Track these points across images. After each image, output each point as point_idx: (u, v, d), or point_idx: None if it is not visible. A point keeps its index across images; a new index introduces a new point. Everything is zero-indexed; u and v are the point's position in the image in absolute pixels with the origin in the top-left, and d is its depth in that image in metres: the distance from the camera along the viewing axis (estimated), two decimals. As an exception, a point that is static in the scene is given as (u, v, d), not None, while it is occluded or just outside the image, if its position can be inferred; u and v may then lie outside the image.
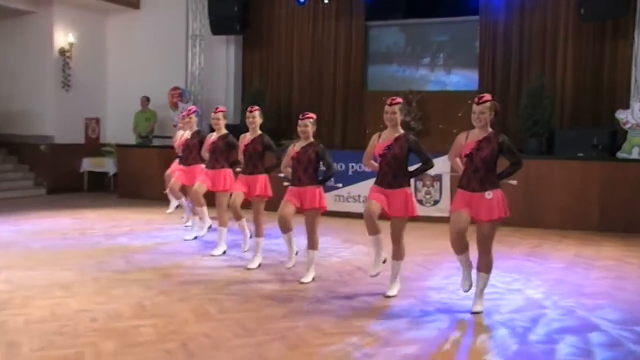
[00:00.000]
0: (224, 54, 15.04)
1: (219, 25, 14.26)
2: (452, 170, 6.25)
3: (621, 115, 11.07)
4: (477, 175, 5.53)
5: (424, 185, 11.37)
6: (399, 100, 6.43)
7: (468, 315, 5.74)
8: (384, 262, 6.50)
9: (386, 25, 14.37)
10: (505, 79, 12.85)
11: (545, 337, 5.16)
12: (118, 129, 15.65)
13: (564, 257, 8.57)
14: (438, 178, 11.29)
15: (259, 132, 7.64)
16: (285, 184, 7.13)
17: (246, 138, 7.68)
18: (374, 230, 6.34)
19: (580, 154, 10.97)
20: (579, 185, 10.73)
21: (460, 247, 5.78)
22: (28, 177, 15.18)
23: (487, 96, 5.59)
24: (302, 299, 6.24)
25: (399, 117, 6.31)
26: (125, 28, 15.94)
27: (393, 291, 6.41)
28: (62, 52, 15.05)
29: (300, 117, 6.96)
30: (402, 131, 6.29)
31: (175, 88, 14.75)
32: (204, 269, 7.42)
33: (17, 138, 15.25)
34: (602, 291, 6.73)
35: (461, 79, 13.84)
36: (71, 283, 6.70)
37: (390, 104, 6.31)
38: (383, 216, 6.26)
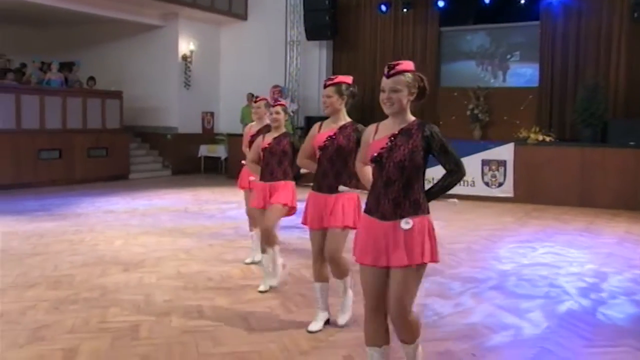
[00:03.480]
0: (317, 57, 15.06)
1: (312, 32, 14.31)
2: (362, 186, 3.54)
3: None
4: (389, 190, 2.94)
5: (490, 169, 11.13)
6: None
7: (532, 278, 5.61)
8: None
9: (457, 30, 14.03)
10: (563, 75, 12.32)
11: (596, 301, 4.99)
12: (228, 121, 15.97)
13: (616, 233, 8.22)
14: (503, 163, 11.03)
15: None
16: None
17: (257, 133, 5.65)
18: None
19: (632, 142, 10.45)
20: (630, 170, 10.26)
21: (377, 331, 3.06)
22: (157, 160, 15.66)
23: (405, 64, 2.99)
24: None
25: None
26: (235, 36, 16.20)
27: (343, 319, 4.35)
28: (184, 57, 15.45)
29: (272, 104, 5.31)
30: (347, 119, 4.17)
31: (276, 86, 14.89)
32: (299, 240, 7.36)
33: (149, 129, 15.77)
34: (651, 265, 6.43)
35: (523, 76, 13.37)
36: (192, 248, 6.92)
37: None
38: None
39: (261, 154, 5.12)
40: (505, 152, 11.06)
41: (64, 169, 13.00)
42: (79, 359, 3.71)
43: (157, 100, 15.52)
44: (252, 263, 6.10)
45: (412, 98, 3.00)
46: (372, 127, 3.17)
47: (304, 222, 4.23)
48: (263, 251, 5.21)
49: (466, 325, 4.43)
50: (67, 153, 13.07)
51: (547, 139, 11.19)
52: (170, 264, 6.16)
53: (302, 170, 4.77)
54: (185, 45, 15.48)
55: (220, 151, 15.55)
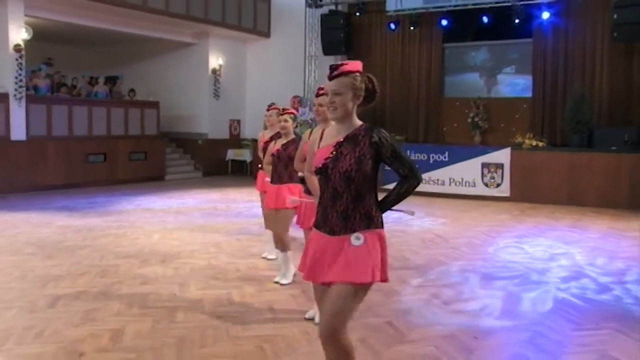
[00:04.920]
0: (333, 71, 15.04)
1: (329, 48, 14.32)
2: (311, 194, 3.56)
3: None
4: (337, 203, 2.48)
5: (489, 171, 11.09)
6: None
7: (527, 270, 5.60)
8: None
9: (459, 46, 13.95)
10: (554, 87, 12.18)
11: (582, 289, 4.97)
12: (253, 128, 16.00)
13: (600, 229, 8.16)
14: (500, 166, 10.98)
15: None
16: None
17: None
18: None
19: (614, 147, 10.38)
20: (612, 172, 10.23)
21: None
22: (190, 163, 15.71)
23: (350, 64, 2.52)
24: (394, 259, 6.24)
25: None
26: (259, 52, 16.26)
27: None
28: (214, 71, 15.54)
29: (280, 111, 5.13)
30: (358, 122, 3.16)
31: (296, 96, 14.91)
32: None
33: (183, 135, 15.85)
34: (630, 256, 6.38)
35: (517, 87, 13.28)
36: (221, 242, 6.96)
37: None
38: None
39: (270, 159, 5.08)
40: (502, 156, 11.01)
41: (108, 171, 13.14)
42: (125, 338, 3.78)
43: (190, 109, 15.62)
44: (265, 258, 6.02)
45: (358, 101, 2.52)
46: (317, 133, 2.74)
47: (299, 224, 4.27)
48: (280, 250, 5.15)
49: (468, 311, 4.44)
50: (111, 157, 13.21)
51: (540, 144, 11.12)
52: (202, 256, 6.21)
53: (300, 174, 4.34)
54: (215, 60, 15.58)
55: (245, 155, 15.61)
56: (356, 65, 2.51)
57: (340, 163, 2.46)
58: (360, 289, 2.44)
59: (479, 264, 6.05)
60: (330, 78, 2.51)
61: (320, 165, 2.51)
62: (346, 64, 2.50)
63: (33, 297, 4.64)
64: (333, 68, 2.51)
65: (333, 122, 2.62)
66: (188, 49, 15.59)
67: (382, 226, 2.51)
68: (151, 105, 14.50)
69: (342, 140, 2.51)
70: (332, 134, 2.58)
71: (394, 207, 2.57)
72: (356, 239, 2.43)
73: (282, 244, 5.00)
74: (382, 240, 2.50)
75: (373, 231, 2.47)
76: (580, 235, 7.66)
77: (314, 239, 2.56)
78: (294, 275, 5.11)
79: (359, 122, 2.55)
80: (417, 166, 2.55)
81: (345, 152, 2.48)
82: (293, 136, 4.99)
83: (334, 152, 2.50)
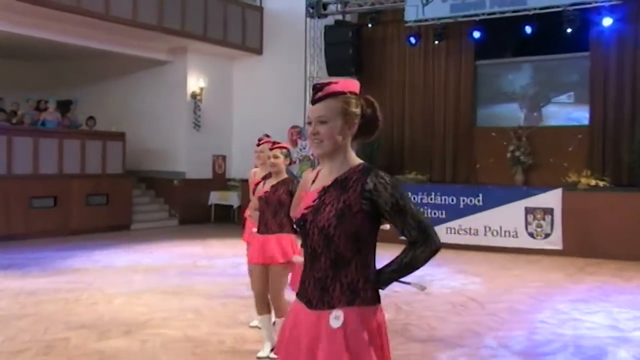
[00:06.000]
0: (340, 94, 15.14)
1: (334, 68, 14.43)
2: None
3: None
4: (315, 267, 2.32)
5: (534, 218, 11.05)
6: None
7: (587, 345, 5.50)
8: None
9: (495, 63, 14.12)
10: (618, 112, 12.18)
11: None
12: (242, 165, 16.04)
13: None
14: (549, 212, 10.95)
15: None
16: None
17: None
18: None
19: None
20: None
21: None
22: (163, 209, 15.78)
23: (341, 83, 2.38)
24: (417, 328, 6.17)
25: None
26: (249, 72, 16.47)
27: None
28: (194, 95, 15.71)
29: (270, 146, 5.21)
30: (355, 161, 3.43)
31: (295, 126, 15.00)
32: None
33: (154, 174, 15.94)
34: None
35: (570, 113, 13.37)
36: (201, 308, 6.89)
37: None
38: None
39: (258, 202, 5.07)
40: (551, 198, 10.98)
41: (59, 218, 13.13)
42: None
43: (163, 142, 15.75)
44: (256, 327, 5.86)
45: (352, 132, 2.36)
46: (312, 173, 2.57)
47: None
48: (259, 313, 5.13)
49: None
50: (63, 201, 13.22)
51: (601, 183, 11.11)
52: (178, 325, 6.15)
53: None
54: (195, 82, 15.77)
55: (232, 199, 15.63)
56: (350, 84, 2.38)
57: (320, 215, 2.28)
58: None
59: (524, 336, 5.96)
60: (314, 101, 2.35)
61: (299, 217, 2.35)
62: (335, 83, 2.35)
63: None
64: (317, 88, 2.36)
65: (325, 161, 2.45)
66: (161, 68, 15.82)
67: (373, 302, 2.25)
68: (115, 136, 14.61)
69: (328, 184, 2.34)
70: (325, 175, 2.41)
71: (398, 279, 2.30)
72: (335, 319, 2.21)
73: (280, 309, 4.90)
74: (376, 322, 2.24)
75: (355, 309, 2.22)
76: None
77: (292, 310, 2.41)
78: (272, 349, 5.00)
79: (356, 161, 2.37)
80: (432, 227, 2.29)
81: (327, 201, 2.29)
82: (285, 176, 5.01)
83: (317, 201, 2.33)
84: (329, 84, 2.35)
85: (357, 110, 2.35)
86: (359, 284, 2.25)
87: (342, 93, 2.33)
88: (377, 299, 2.28)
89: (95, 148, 14.06)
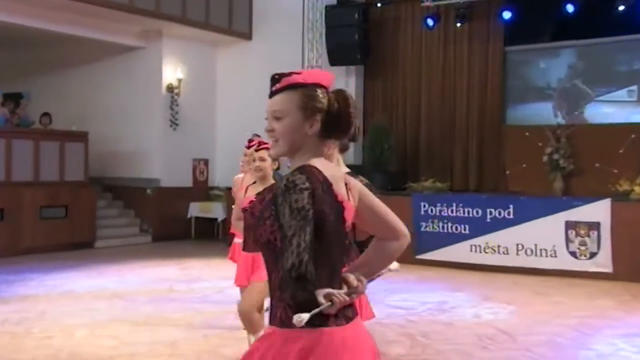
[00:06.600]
0: (343, 86, 14.83)
1: (337, 55, 14.47)
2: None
3: None
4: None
5: (577, 234, 10.99)
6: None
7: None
8: None
9: (529, 49, 14.12)
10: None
11: None
12: (228, 171, 15.96)
13: None
14: (595, 226, 10.89)
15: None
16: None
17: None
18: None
19: None
20: None
21: None
22: (134, 223, 15.77)
23: (304, 74, 2.52)
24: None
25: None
26: (236, 61, 16.46)
27: None
28: (170, 88, 15.69)
29: (255, 147, 5.23)
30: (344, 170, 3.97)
31: (290, 125, 14.97)
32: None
33: (123, 181, 15.90)
34: None
35: (621, 108, 13.36)
36: (178, 341, 6.83)
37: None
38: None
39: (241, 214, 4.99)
40: (598, 211, 10.94)
41: (7, 234, 13.06)
42: None
43: (134, 144, 15.70)
44: None
45: (314, 130, 2.46)
46: None
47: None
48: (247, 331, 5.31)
49: None
50: (12, 214, 13.17)
51: (659, 193, 11.06)
52: (149, 362, 6.08)
53: None
54: (172, 73, 15.76)
55: (216, 211, 15.60)
56: (316, 75, 2.48)
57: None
58: None
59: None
60: (271, 94, 2.49)
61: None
62: (297, 74, 2.47)
63: None
64: (276, 79, 2.48)
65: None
66: (131, 55, 15.82)
67: (283, 325, 2.38)
68: (76, 137, 14.61)
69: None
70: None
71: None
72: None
73: (251, 323, 5.10)
74: (278, 347, 2.36)
75: (270, 330, 2.44)
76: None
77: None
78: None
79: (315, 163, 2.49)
80: (301, 261, 2.26)
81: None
82: (272, 181, 4.94)
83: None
84: (289, 74, 2.46)
85: (321, 106, 2.44)
86: (275, 297, 2.47)
87: (303, 85, 2.43)
88: (290, 321, 2.34)
89: (51, 151, 14.04)
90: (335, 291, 2.37)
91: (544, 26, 13.66)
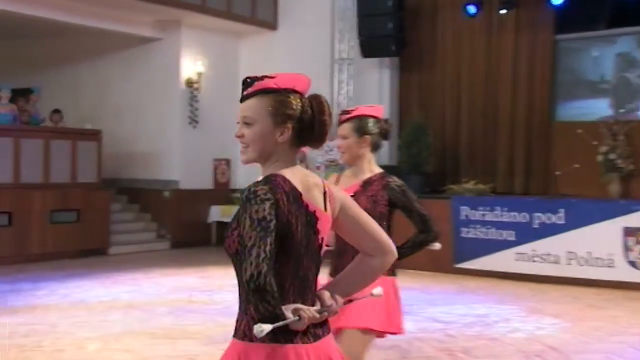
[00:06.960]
0: (377, 80, 15.15)
1: (370, 47, 14.44)
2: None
3: None
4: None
5: (637, 242, 10.89)
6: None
7: None
8: None
9: (583, 38, 14.02)
10: None
11: None
12: (251, 172, 15.98)
13: None
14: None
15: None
16: None
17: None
18: None
19: None
20: None
21: None
22: (150, 228, 15.84)
23: (278, 78, 2.59)
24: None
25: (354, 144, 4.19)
26: (260, 53, 16.45)
27: None
28: (190, 83, 15.73)
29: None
30: (376, 170, 4.18)
31: (319, 122, 14.96)
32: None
33: (139, 183, 15.99)
34: None
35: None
36: (199, 355, 6.85)
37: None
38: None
39: None
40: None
41: (15, 240, 13.17)
42: None
43: (151, 143, 15.80)
44: None
45: (285, 137, 2.57)
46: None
47: None
48: None
49: None
50: (20, 218, 13.27)
51: None
52: (167, 379, 6.13)
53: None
54: (191, 66, 15.81)
55: (238, 215, 15.57)
56: (291, 79, 2.57)
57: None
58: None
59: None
60: (242, 98, 2.61)
61: None
62: (272, 77, 2.56)
63: None
64: (247, 83, 2.59)
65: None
66: (147, 47, 15.91)
67: (245, 338, 2.62)
68: (88, 135, 14.71)
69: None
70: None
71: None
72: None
73: None
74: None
75: (232, 342, 2.72)
76: None
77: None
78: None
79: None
80: (260, 272, 2.39)
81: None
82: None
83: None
84: (262, 78, 2.57)
85: (292, 112, 2.55)
86: (241, 312, 2.79)
87: (275, 90, 2.55)
88: (252, 333, 2.47)
89: (62, 150, 14.14)
90: (304, 307, 2.49)
91: (599, 12, 13.52)
